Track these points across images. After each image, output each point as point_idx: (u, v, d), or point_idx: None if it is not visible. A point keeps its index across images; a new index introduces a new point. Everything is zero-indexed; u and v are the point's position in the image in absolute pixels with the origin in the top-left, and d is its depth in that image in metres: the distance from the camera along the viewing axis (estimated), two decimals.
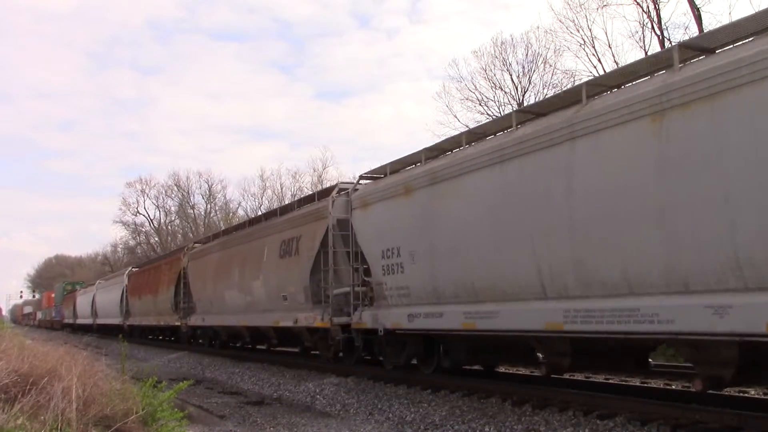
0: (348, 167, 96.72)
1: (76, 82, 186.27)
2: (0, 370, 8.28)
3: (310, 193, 18.18)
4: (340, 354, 16.98)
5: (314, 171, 64.14)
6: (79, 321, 58.63)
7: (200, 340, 29.06)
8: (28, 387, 7.98)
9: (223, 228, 35.51)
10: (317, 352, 18.97)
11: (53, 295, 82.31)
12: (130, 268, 39.36)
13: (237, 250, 22.58)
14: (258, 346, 25.70)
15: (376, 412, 12.26)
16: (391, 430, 11.07)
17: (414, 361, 14.70)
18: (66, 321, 66.91)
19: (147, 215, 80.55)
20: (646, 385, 12.84)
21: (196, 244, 29.36)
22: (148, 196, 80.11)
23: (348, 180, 19.90)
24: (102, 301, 48.14)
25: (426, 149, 13.35)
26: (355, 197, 15.15)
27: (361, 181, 15.84)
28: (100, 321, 48.86)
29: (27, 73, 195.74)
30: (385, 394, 13.32)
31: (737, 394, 11.43)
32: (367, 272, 14.82)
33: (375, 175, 15.48)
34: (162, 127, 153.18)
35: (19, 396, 7.77)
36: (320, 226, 16.55)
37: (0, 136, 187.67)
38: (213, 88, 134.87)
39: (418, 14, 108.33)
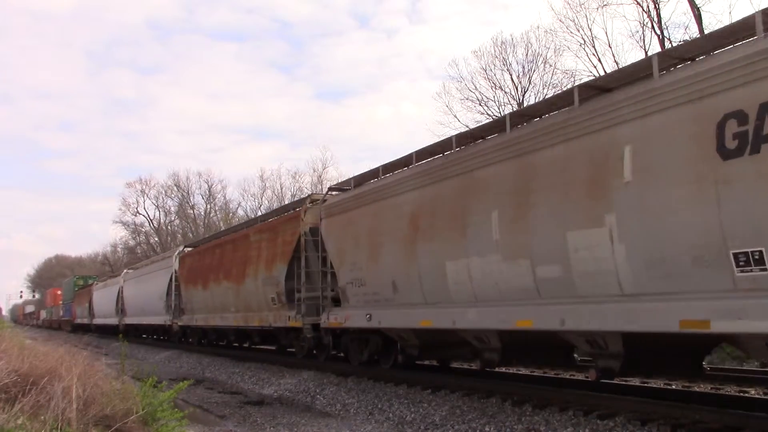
0: (348, 167, 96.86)
1: (76, 82, 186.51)
2: (0, 370, 8.28)
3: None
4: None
5: (314, 171, 64.31)
6: (98, 321, 49.00)
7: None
8: (28, 387, 7.98)
9: (222, 228, 35.24)
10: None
11: (60, 292, 77.41)
12: (180, 249, 31.52)
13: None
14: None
15: (377, 411, 12.26)
16: (392, 429, 11.07)
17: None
18: (79, 321, 58.19)
19: (147, 215, 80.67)
20: (646, 384, 12.83)
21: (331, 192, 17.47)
22: (147, 196, 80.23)
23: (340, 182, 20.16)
24: (134, 295, 37.88)
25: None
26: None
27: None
28: (130, 320, 38.83)
29: (27, 74, 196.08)
30: (385, 393, 13.34)
31: (737, 394, 11.45)
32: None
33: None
34: (162, 127, 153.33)
35: (20, 396, 7.76)
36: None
37: (0, 136, 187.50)
38: (213, 88, 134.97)
39: (417, 14, 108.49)
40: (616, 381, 13.13)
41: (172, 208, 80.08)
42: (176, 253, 30.97)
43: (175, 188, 78.09)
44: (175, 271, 29.88)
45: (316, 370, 17.32)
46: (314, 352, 18.32)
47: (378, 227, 13.86)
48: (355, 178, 15.91)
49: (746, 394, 11.40)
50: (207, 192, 76.41)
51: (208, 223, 73.04)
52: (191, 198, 77.88)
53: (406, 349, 14.35)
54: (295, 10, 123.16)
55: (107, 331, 45.30)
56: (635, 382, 13.19)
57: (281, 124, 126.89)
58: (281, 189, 67.14)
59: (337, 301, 16.00)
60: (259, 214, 39.20)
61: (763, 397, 11.15)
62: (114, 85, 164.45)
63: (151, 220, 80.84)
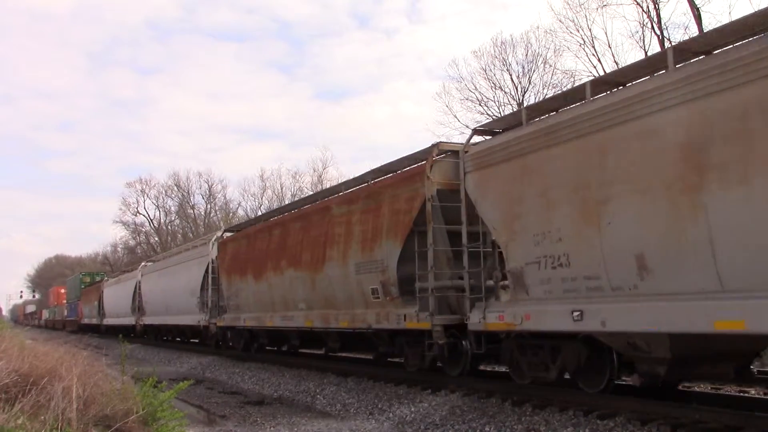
0: (348, 167, 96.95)
1: (76, 82, 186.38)
2: (0, 370, 8.28)
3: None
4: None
5: (314, 171, 64.34)
6: (110, 321, 44.49)
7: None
8: (28, 387, 7.98)
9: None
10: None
11: (64, 290, 74.68)
12: (218, 234, 26.66)
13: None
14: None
15: (377, 411, 12.25)
16: (392, 429, 11.08)
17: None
18: (86, 321, 54.06)
19: (147, 215, 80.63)
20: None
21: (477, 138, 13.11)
22: (148, 196, 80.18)
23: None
24: (156, 290, 33.42)
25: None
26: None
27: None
28: (150, 320, 34.63)
29: (27, 74, 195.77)
30: (385, 393, 13.32)
31: (737, 393, 11.43)
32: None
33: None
34: (162, 127, 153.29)
35: (20, 396, 7.77)
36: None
37: (0, 136, 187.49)
38: (213, 88, 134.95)
39: (417, 14, 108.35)
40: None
41: (173, 208, 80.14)
42: (213, 239, 26.51)
43: (175, 188, 78.17)
44: (212, 261, 25.47)
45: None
46: (439, 364, 13.82)
47: (598, 173, 9.28)
48: (528, 108, 11.65)
49: (746, 394, 11.38)
50: (207, 192, 76.48)
51: (208, 222, 73.01)
52: (191, 198, 77.95)
53: (643, 365, 9.72)
54: (295, 10, 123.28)
55: (121, 333, 37.46)
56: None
57: (281, 124, 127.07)
58: (281, 189, 67.23)
59: (489, 292, 11.66)
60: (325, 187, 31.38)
61: (762, 397, 11.13)
62: (114, 85, 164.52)
63: (151, 220, 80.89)
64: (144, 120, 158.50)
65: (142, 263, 40.13)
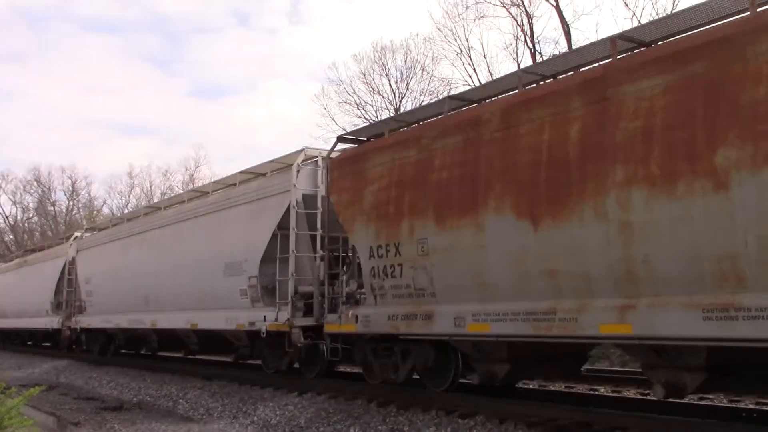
0: (223, 167, 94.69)
1: None
2: None
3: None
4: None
5: (186, 170, 62.70)
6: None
7: None
8: None
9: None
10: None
11: None
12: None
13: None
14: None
15: (241, 415, 12.03)
16: None
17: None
18: None
19: (2, 212, 75.77)
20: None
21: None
22: (4, 191, 75.35)
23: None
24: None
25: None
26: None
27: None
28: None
29: None
30: (251, 397, 13.16)
31: (587, 392, 12.05)
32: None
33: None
34: (22, 120, 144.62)
35: None
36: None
37: None
38: (83, 81, 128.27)
39: (298, 15, 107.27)
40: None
41: (31, 204, 75.69)
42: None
43: (35, 183, 73.84)
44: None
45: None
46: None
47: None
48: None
49: (596, 392, 12.02)
50: (70, 188, 72.69)
51: (70, 220, 69.50)
52: (53, 194, 73.88)
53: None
54: (174, 6, 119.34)
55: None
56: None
57: (155, 121, 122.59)
58: (150, 187, 65.06)
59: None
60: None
61: (610, 394, 11.77)
62: None
63: (6, 217, 76.05)
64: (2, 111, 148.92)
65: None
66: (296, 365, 14.04)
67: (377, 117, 35.56)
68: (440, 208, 9.66)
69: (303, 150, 13.56)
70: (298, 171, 13.16)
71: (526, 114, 8.68)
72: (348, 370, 14.98)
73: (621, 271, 7.41)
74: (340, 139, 12.68)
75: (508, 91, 9.81)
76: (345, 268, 12.35)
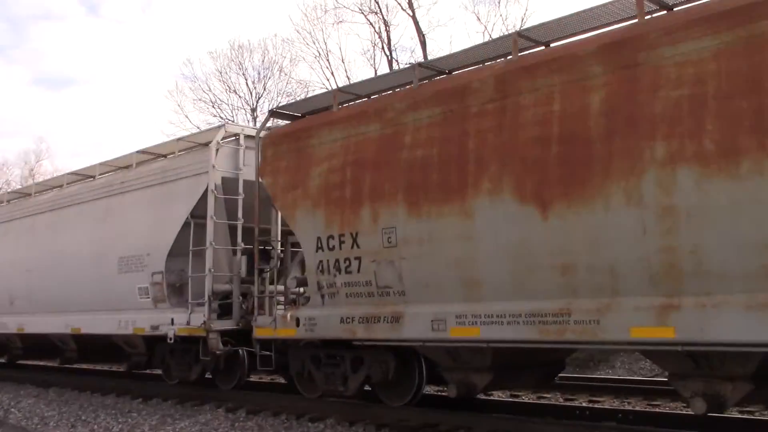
0: (66, 162, 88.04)
1: None
2: None
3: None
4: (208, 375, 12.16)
5: (26, 164, 57.63)
6: None
7: None
8: None
9: None
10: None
11: None
12: None
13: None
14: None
15: (80, 423, 10.89)
16: None
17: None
18: None
19: None
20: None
21: None
22: None
23: None
24: None
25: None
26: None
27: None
28: None
29: None
30: (91, 404, 12.25)
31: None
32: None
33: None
34: None
35: None
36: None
37: None
38: None
39: (152, 7, 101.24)
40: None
41: None
42: None
43: None
44: None
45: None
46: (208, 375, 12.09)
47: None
48: (340, 89, 10.02)
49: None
50: None
51: None
52: None
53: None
54: None
55: None
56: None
57: None
58: None
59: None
60: None
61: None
62: None
63: None
64: None
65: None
66: (208, 375, 12.04)
67: (233, 117, 35.01)
68: (413, 192, 8.12)
69: (223, 126, 11.70)
70: (217, 150, 11.32)
71: (529, 81, 7.31)
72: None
73: (660, 264, 6.20)
74: (274, 113, 10.91)
75: (497, 58, 8.52)
76: (274, 263, 10.50)
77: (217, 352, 10.79)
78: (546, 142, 7.04)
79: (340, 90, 9.83)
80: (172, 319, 11.38)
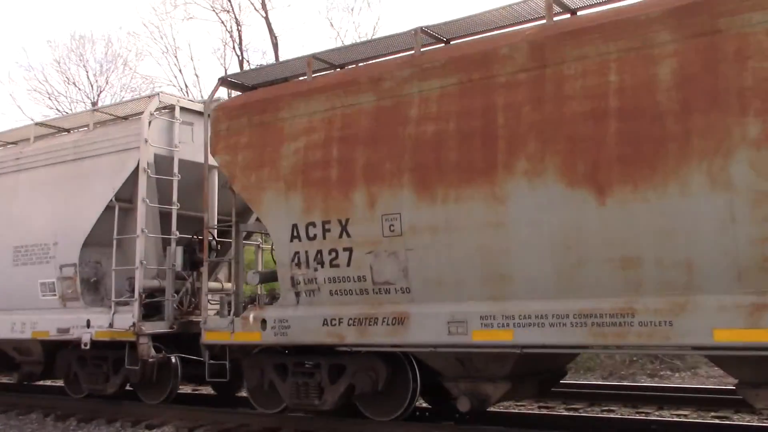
0: None
1: None
2: None
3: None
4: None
5: None
6: None
7: None
8: None
9: None
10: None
11: None
12: None
13: None
14: None
15: None
16: None
17: None
18: None
19: None
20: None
21: None
22: None
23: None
24: None
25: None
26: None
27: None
28: None
29: None
30: None
31: None
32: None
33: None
34: None
35: None
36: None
37: None
38: None
39: None
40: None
41: None
42: None
43: None
44: None
45: None
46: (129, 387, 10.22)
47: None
48: (314, 56, 8.32)
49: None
50: None
51: None
52: None
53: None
54: None
55: None
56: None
57: None
58: None
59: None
60: None
61: None
62: None
63: None
64: None
65: None
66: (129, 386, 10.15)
67: (71, 109, 33.12)
68: (423, 172, 6.99)
69: (157, 95, 10.07)
70: (150, 122, 9.66)
71: (575, 49, 6.43)
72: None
73: (754, 258, 5.47)
74: (225, 82, 9.27)
75: (522, 23, 7.49)
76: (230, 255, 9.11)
77: (150, 360, 9.10)
78: (602, 118, 6.10)
79: (315, 57, 8.45)
80: (88, 321, 9.64)
